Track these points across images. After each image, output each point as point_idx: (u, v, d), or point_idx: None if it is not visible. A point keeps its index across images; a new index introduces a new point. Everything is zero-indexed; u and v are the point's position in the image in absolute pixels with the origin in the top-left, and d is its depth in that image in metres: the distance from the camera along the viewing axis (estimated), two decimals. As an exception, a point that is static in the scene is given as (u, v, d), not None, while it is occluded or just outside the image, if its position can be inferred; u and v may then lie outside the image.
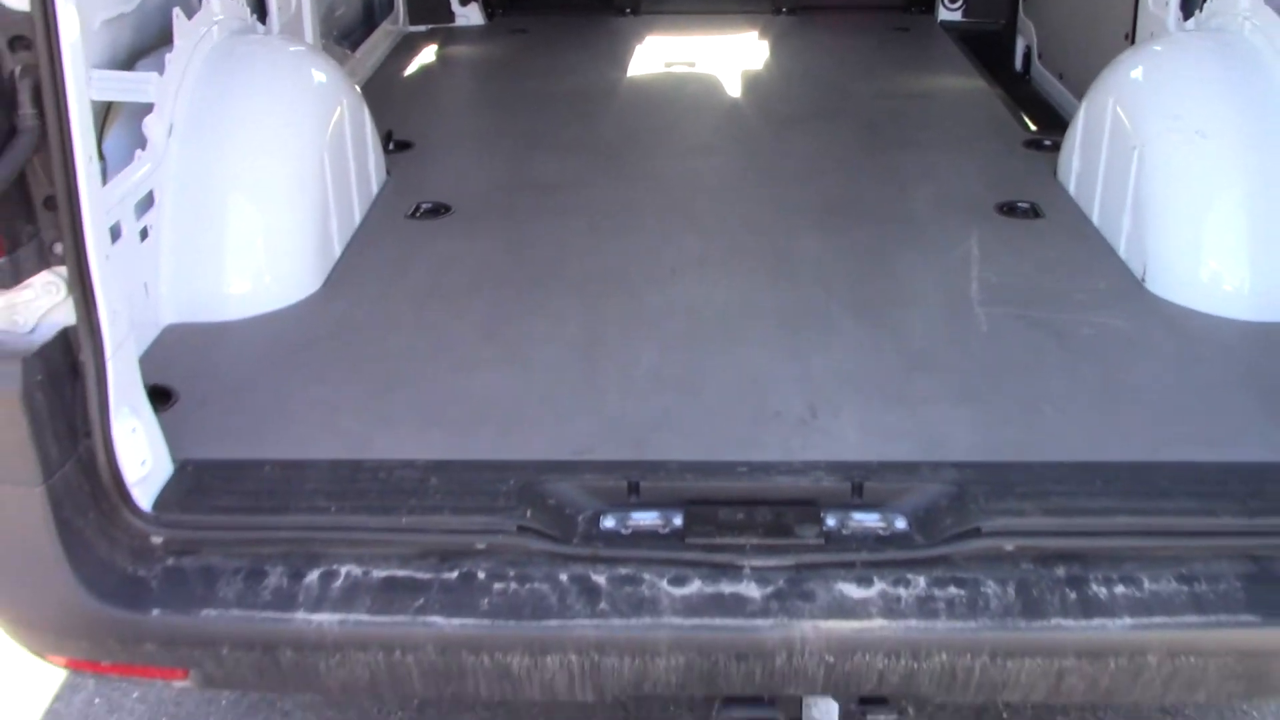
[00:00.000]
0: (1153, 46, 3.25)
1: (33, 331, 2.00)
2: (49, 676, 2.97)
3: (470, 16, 5.36)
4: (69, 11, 1.86)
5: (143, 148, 2.69)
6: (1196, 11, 3.27)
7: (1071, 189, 3.37)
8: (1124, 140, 3.02)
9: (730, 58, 4.79)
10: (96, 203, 1.98)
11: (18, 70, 1.85)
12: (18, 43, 1.84)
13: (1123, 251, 2.99)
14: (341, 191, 3.15)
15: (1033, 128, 3.99)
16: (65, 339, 2.01)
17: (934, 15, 5.36)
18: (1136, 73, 3.14)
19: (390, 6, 5.11)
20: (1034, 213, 3.27)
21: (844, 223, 3.22)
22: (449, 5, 5.31)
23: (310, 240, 2.94)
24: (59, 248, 1.96)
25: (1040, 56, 4.70)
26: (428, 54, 4.94)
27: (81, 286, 1.98)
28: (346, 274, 2.99)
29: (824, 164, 3.67)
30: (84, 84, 1.93)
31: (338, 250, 3.08)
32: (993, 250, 3.07)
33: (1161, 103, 3.00)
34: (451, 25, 5.31)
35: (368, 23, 4.89)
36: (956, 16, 5.32)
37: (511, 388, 2.48)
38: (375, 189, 3.45)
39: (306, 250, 2.93)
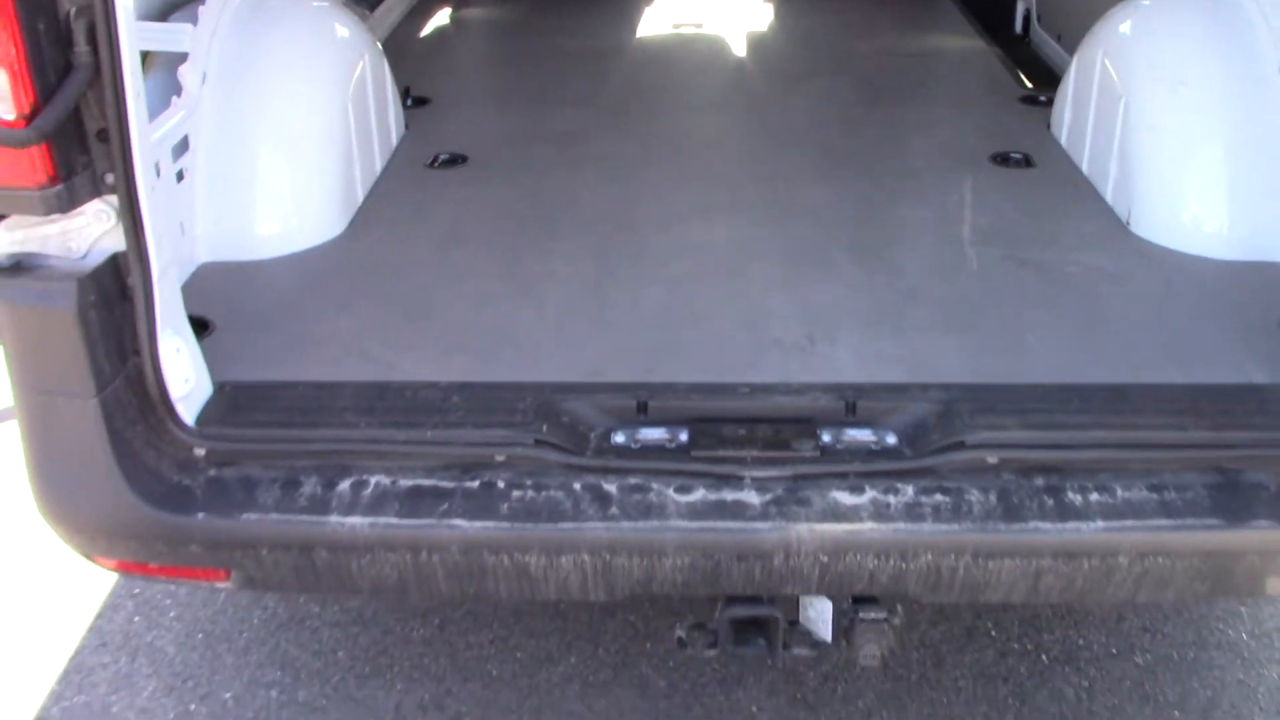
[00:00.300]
0: (1141, 2, 3.38)
1: (85, 257, 2.15)
2: (89, 597, 3.14)
3: (483, -20, 5.49)
4: (119, -44, 2.01)
5: (178, 95, 2.84)
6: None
7: (1063, 140, 3.51)
8: (1111, 91, 3.16)
9: (736, 19, 4.92)
10: (144, 137, 2.13)
11: (73, 11, 2.00)
12: (74, -17, 1.99)
13: (1109, 197, 3.13)
14: (364, 141, 3.29)
15: (1029, 85, 4.13)
16: (115, 264, 2.16)
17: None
18: (1125, 26, 3.28)
19: (405, -30, 5.24)
20: (1026, 163, 3.42)
21: (843, 172, 3.36)
22: (463, -31, 5.44)
23: (335, 185, 3.09)
24: (110, 178, 2.10)
25: (1039, 19, 4.83)
26: (442, 16, 5.07)
27: (130, 214, 2.12)
28: (369, 217, 3.15)
29: (825, 118, 3.81)
30: (133, 24, 2.08)
31: (360, 196, 3.23)
32: (986, 197, 3.21)
33: (1147, 55, 3.13)
34: (465, -11, 5.45)
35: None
36: (961, -21, 5.44)
37: (527, 318, 2.64)
38: (395, 141, 3.60)
39: (332, 195, 3.08)
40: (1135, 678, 2.88)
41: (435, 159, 3.51)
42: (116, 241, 2.15)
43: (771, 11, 5.09)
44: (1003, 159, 3.44)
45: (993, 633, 3.02)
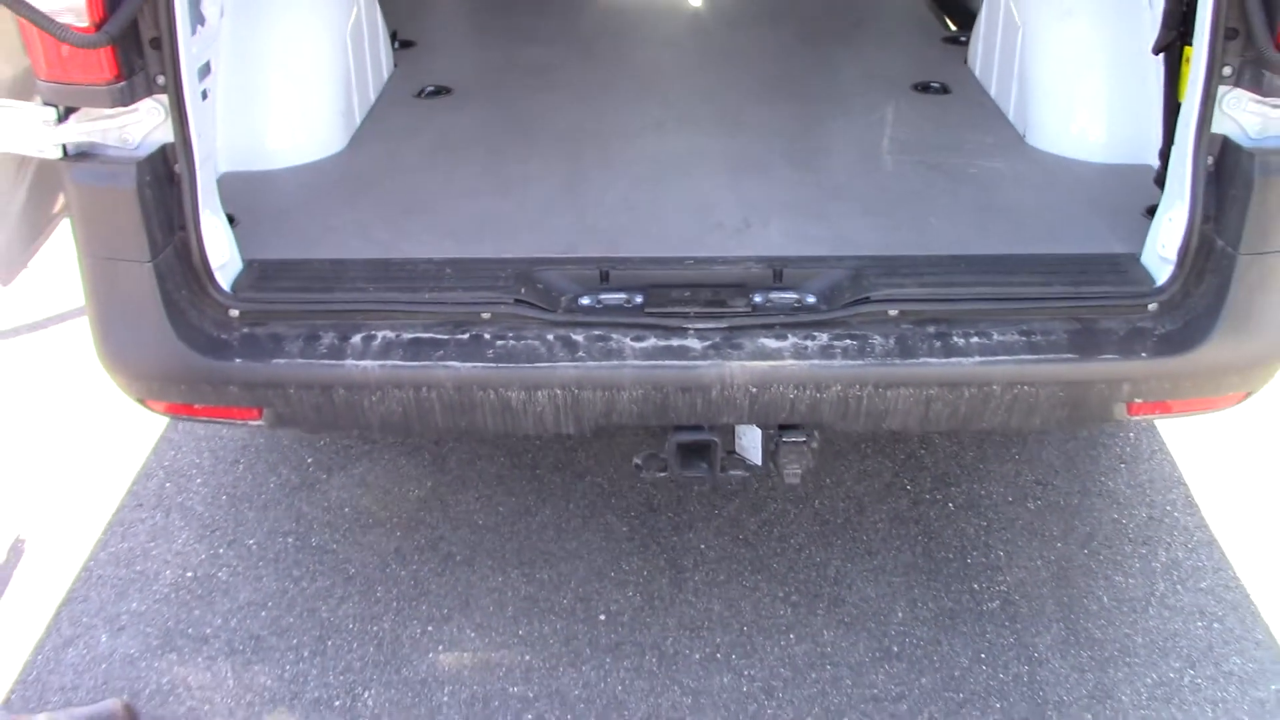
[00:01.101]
0: (1042, -55, 3.86)
1: (139, 146, 2.59)
2: (123, 469, 3.59)
3: (460, -62, 5.91)
4: (170, -107, 2.44)
5: (201, 24, 3.27)
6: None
7: (976, 71, 3.98)
8: (1012, 24, 3.63)
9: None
10: (188, 46, 2.57)
11: (133, -63, 2.43)
12: (133, -84, 2.42)
13: (1011, 116, 3.61)
14: (360, 72, 3.73)
15: (953, 27, 4.60)
16: (164, 153, 2.59)
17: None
18: (1026, -35, 3.75)
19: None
20: (943, 90, 3.89)
21: (782, 96, 3.83)
22: (442, -73, 5.86)
23: (336, 107, 3.53)
24: (161, 79, 2.53)
25: (971, -29, 5.29)
26: (423, -31, 5.50)
27: (177, 110, 2.55)
28: (365, 136, 3.59)
29: (768, 53, 4.27)
30: (179, -50, 2.52)
31: (358, 120, 3.66)
32: (905, 117, 3.69)
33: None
34: (443, -54, 5.86)
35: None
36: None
37: (507, 209, 3.09)
38: (385, 76, 4.03)
39: (333, 115, 3.51)
40: (1026, 519, 3.37)
41: (422, 90, 3.95)
42: (165, 134, 2.58)
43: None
44: (923, 87, 3.91)
45: (908, 487, 3.50)
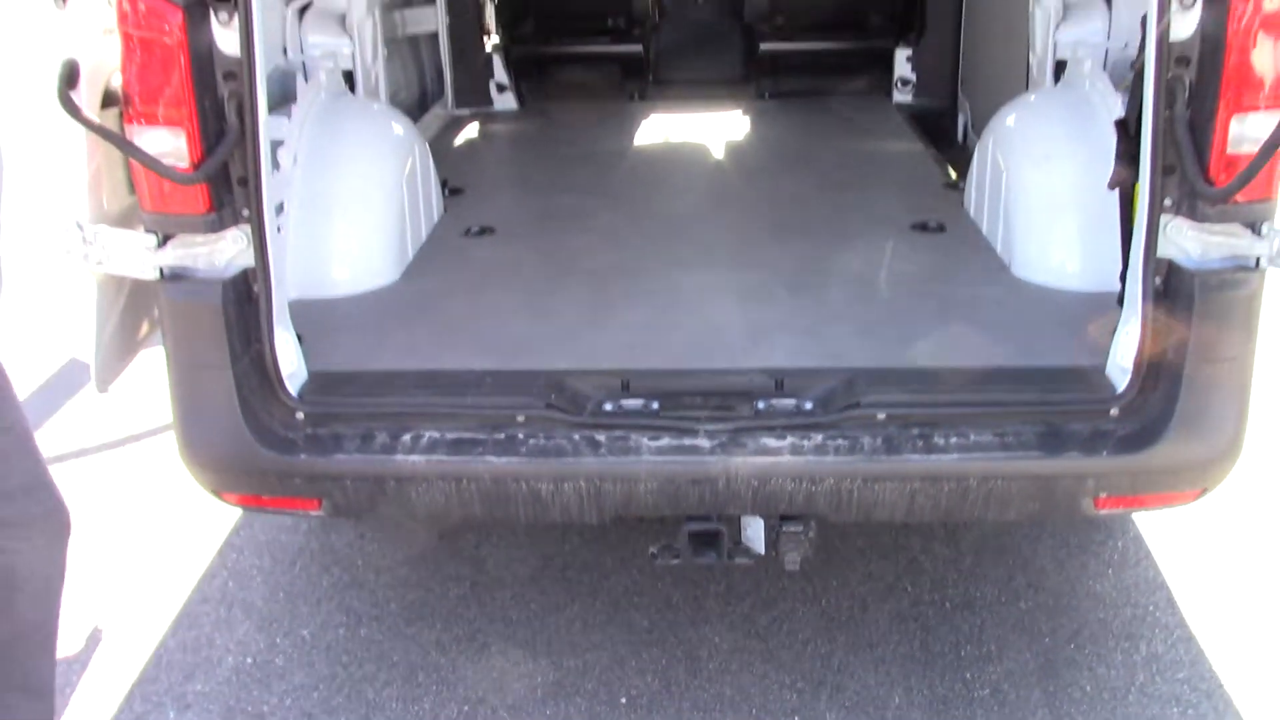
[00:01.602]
0: (1026, 98, 4.30)
1: (224, 269, 3.00)
2: (190, 570, 3.93)
3: (506, 101, 6.47)
4: (259, 59, 2.91)
5: (276, 169, 3.74)
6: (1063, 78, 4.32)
7: (971, 212, 4.38)
8: (998, 168, 4.04)
9: (718, 130, 5.87)
10: (268, 186, 3.01)
11: (226, 94, 2.89)
12: (229, 76, 2.88)
13: (999, 250, 3.99)
14: (413, 214, 4.18)
15: (954, 175, 5.03)
16: (245, 276, 3.00)
17: (890, 98, 6.44)
18: (1010, 119, 4.18)
19: (440, 92, 6.21)
20: (940, 229, 4.28)
21: (791, 235, 4.24)
22: (488, 92, 6.42)
23: (392, 244, 3.97)
24: (246, 212, 2.96)
25: (973, 127, 5.75)
26: (471, 129, 6.04)
27: (259, 239, 2.98)
28: (417, 269, 4.02)
29: (780, 199, 4.71)
30: (265, 109, 2.97)
31: (410, 255, 4.10)
32: (901, 251, 4.07)
33: (1022, 139, 4.02)
34: (490, 109, 6.42)
35: (422, 104, 5.98)
36: (908, 98, 6.39)
37: (541, 330, 3.48)
38: (436, 218, 4.49)
39: (389, 251, 3.95)
40: (1017, 617, 3.63)
41: (468, 230, 4.40)
42: (247, 260, 2.99)
43: (748, 124, 6.04)
44: (921, 227, 4.31)
45: (908, 588, 3.78)
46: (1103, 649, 3.48)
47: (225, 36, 2.82)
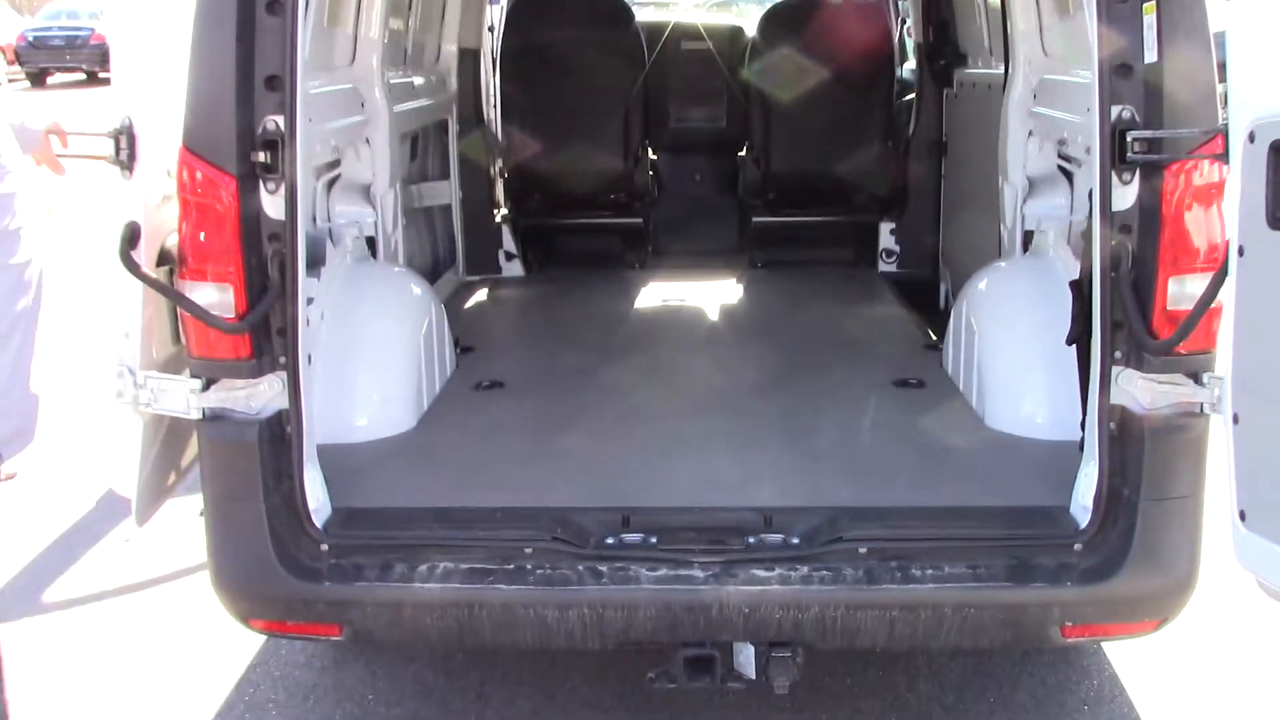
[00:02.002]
0: (997, 265, 4.66)
1: (262, 410, 3.30)
2: (209, 702, 4.11)
3: (513, 269, 6.86)
4: (301, 223, 3.25)
5: (306, 323, 4.05)
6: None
7: (949, 370, 4.69)
8: (971, 330, 4.38)
9: (713, 296, 6.23)
10: (303, 337, 3.32)
11: (270, 253, 3.22)
12: (274, 238, 3.22)
13: (974, 404, 4.29)
14: (429, 368, 4.49)
15: (934, 337, 5.36)
16: (279, 417, 3.30)
17: (875, 268, 6.84)
18: (982, 284, 4.53)
19: (453, 259, 6.60)
20: (919, 385, 4.59)
21: (781, 390, 4.54)
22: (497, 260, 6.82)
23: (409, 395, 4.27)
24: (283, 359, 3.28)
25: (954, 294, 6.11)
26: (481, 293, 6.40)
27: (293, 384, 3.28)
28: (431, 418, 4.31)
29: (772, 357, 5.03)
30: (304, 267, 3.30)
31: (425, 405, 4.40)
32: (883, 404, 4.38)
33: (993, 301, 4.37)
34: (499, 275, 6.81)
35: (436, 270, 6.35)
36: (893, 268, 6.79)
37: (547, 472, 3.76)
38: (449, 373, 4.80)
39: (406, 401, 4.25)
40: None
41: (479, 384, 4.70)
42: (282, 403, 3.28)
43: (741, 291, 6.41)
44: (902, 383, 4.62)
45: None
46: (1079, 780, 3.66)
47: (272, 203, 3.18)
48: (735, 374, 4.84)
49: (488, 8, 7.10)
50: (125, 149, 3.19)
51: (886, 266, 6.81)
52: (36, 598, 4.86)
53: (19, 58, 29.45)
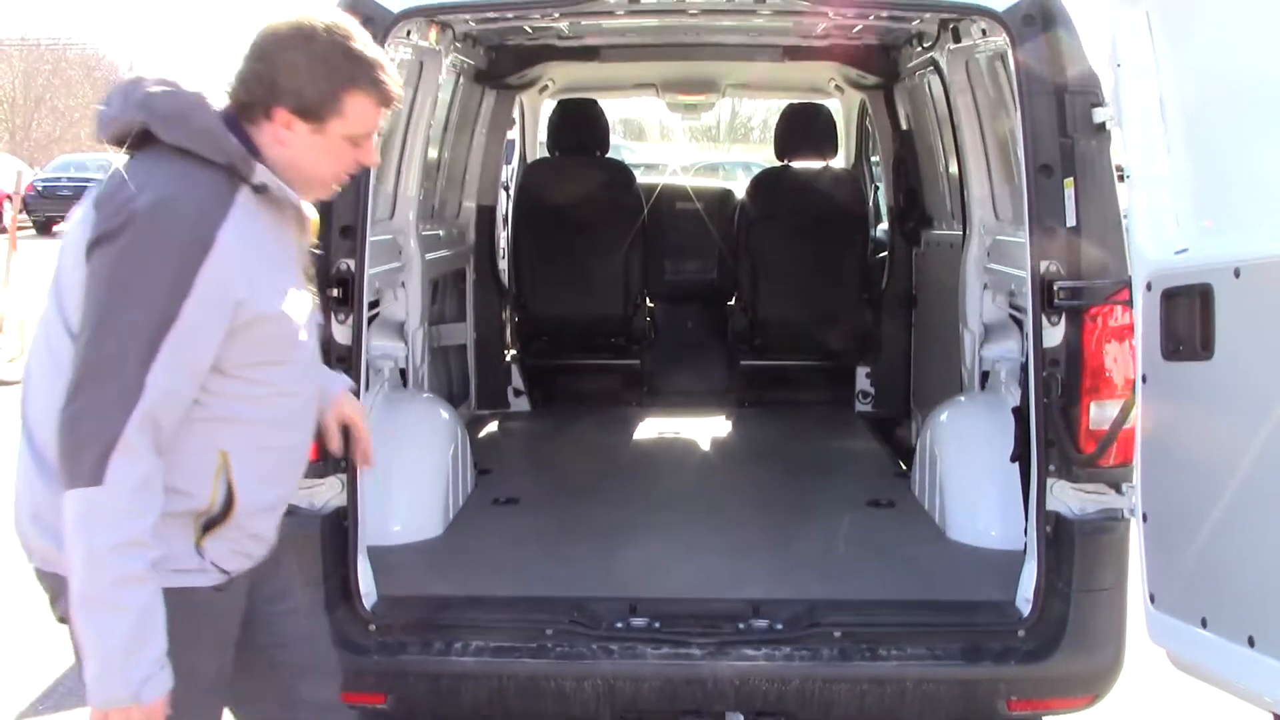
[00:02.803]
0: (956, 399, 5.28)
1: (323, 507, 3.85)
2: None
3: (521, 404, 7.45)
4: (364, 347, 3.85)
5: (355, 439, 4.63)
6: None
7: (916, 493, 5.27)
8: (934, 458, 4.97)
9: (704, 431, 6.83)
10: (361, 450, 3.89)
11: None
12: (341, 360, 3.81)
13: (937, 520, 4.86)
14: (454, 486, 5.05)
15: (904, 467, 5.95)
16: (337, 514, 3.86)
17: (852, 408, 7.45)
18: (944, 416, 5.14)
19: (466, 394, 7.19)
20: (890, 505, 5.17)
21: (765, 507, 5.12)
22: (506, 395, 7.42)
23: (438, 505, 4.82)
24: (343, 463, 3.85)
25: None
26: (493, 425, 7.00)
27: (351, 486, 3.85)
28: (457, 526, 4.85)
29: (758, 481, 5.62)
30: (365, 386, 3.90)
31: (451, 515, 4.95)
32: (856, 521, 4.95)
33: (953, 430, 4.98)
34: (508, 410, 7.40)
35: (451, 403, 6.93)
36: (869, 408, 7.39)
37: (565, 568, 4.30)
38: (469, 491, 5.36)
39: (435, 510, 4.80)
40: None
41: (496, 499, 5.26)
42: (340, 501, 3.85)
43: (730, 426, 7.02)
44: (874, 503, 5.19)
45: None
46: None
47: (341, 332, 3.79)
48: (726, 493, 5.43)
49: (504, 168, 7.86)
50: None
51: (863, 406, 7.41)
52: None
53: (27, 207, 30.42)
